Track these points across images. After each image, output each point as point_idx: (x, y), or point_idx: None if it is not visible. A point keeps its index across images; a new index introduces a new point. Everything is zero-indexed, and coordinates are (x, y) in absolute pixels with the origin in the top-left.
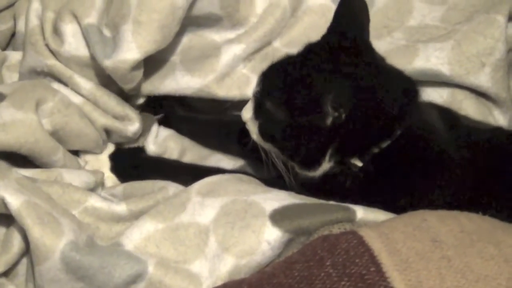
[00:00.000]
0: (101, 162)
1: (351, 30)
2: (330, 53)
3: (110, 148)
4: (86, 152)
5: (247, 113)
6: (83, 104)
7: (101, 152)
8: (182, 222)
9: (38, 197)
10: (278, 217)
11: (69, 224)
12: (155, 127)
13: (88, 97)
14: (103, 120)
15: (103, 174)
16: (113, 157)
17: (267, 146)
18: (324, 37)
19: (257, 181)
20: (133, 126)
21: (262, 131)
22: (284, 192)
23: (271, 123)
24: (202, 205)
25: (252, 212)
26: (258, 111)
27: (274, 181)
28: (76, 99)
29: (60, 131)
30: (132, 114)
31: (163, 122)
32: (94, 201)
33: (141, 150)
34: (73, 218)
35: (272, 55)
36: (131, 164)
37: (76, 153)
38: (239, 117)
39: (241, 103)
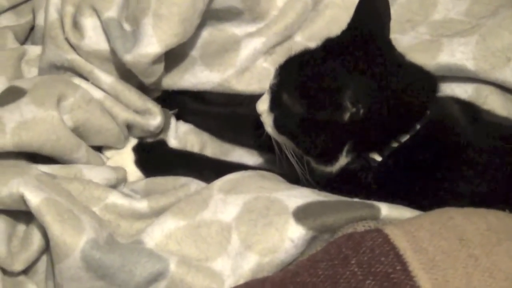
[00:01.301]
0: (124, 156)
1: (371, 27)
2: (350, 48)
3: (132, 142)
4: (108, 147)
5: (262, 105)
6: (104, 99)
7: (123, 147)
8: (204, 219)
9: (58, 194)
10: (301, 214)
11: (89, 221)
12: (173, 122)
13: (109, 91)
14: (124, 114)
15: (125, 170)
16: (136, 150)
17: (281, 139)
18: (344, 32)
19: (279, 177)
20: (155, 120)
21: (277, 124)
22: (307, 189)
23: (287, 116)
24: (225, 202)
25: (275, 209)
26: (274, 104)
27: (294, 177)
28: (97, 94)
29: (81, 127)
30: (154, 108)
31: (179, 117)
32: (115, 198)
33: (164, 143)
34: (94, 215)
35: (293, 49)
36: (155, 156)
37: (98, 149)
38: (254, 109)
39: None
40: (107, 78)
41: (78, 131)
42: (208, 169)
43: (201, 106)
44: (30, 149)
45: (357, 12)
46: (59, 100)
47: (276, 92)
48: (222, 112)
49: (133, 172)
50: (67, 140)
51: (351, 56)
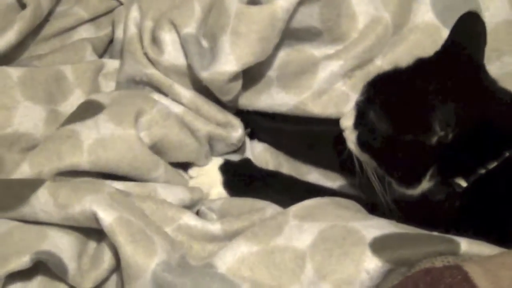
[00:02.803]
0: (212, 176)
1: (466, 49)
2: (442, 70)
3: (216, 161)
4: (193, 165)
5: (347, 121)
6: (184, 113)
7: (204, 164)
8: (278, 245)
9: (131, 213)
10: (378, 246)
11: (162, 242)
12: (248, 141)
13: (189, 105)
14: (206, 128)
15: (201, 191)
16: (224, 170)
17: (364, 157)
18: (437, 52)
19: (357, 205)
20: (236, 132)
21: (360, 141)
22: (385, 220)
23: (372, 134)
24: (300, 229)
25: (352, 239)
26: (359, 120)
27: (372, 199)
28: (177, 108)
29: (159, 143)
30: (234, 120)
31: (251, 136)
32: (188, 219)
33: (249, 161)
34: (166, 236)
35: (373, 73)
36: (243, 176)
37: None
38: (332, 127)
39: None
40: (187, 92)
41: (156, 148)
42: (298, 191)
43: (275, 124)
44: (105, 168)
45: (453, 32)
46: (137, 117)
47: (363, 108)
48: (297, 130)
49: (219, 194)
50: (144, 159)
51: (443, 77)
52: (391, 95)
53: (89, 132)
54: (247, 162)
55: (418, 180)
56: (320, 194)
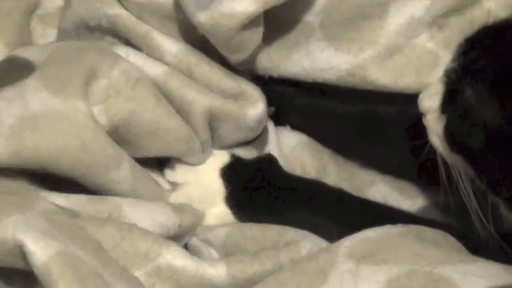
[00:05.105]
0: (206, 184)
1: None
2: None
3: (215, 158)
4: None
5: (429, 100)
6: (168, 77)
7: (197, 161)
8: None
9: (80, 246)
10: None
11: None
12: (272, 129)
13: (177, 66)
14: (204, 98)
15: (195, 212)
16: (228, 174)
17: (453, 159)
18: None
19: (450, 239)
20: (254, 108)
21: (450, 135)
22: (495, 264)
23: (469, 125)
24: (356, 276)
25: None
26: (450, 101)
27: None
28: (156, 69)
29: (122, 126)
30: (252, 90)
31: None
32: (172, 257)
33: (273, 160)
34: (137, 284)
35: (480, 22)
36: (263, 187)
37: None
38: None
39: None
40: (173, 46)
41: (117, 134)
42: (344, 212)
43: (316, 101)
44: (36, 163)
45: None
46: (87, 82)
47: (455, 83)
48: (350, 112)
49: (220, 216)
50: (99, 149)
51: None
52: (503, 63)
53: (10, 107)
54: (268, 161)
55: None
56: (389, 221)
